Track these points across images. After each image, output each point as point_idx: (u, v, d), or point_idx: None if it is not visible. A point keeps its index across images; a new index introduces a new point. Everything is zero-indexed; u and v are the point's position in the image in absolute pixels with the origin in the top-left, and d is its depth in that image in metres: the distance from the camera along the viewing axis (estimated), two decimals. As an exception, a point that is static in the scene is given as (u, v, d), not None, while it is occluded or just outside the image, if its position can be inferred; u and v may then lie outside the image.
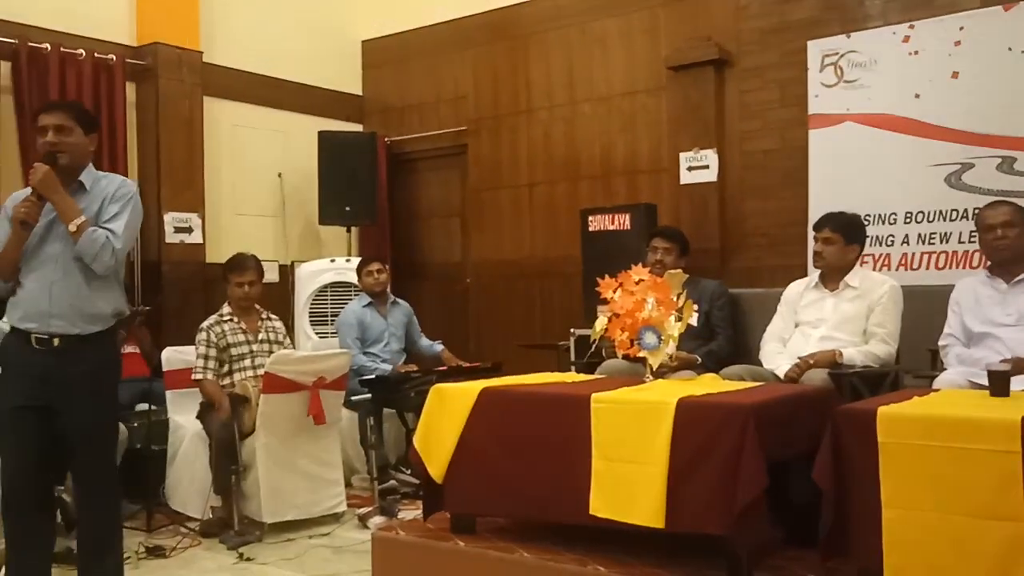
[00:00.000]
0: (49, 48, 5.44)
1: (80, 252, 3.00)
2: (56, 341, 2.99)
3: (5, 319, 3.16)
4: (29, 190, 3.01)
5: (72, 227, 2.97)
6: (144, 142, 6.06)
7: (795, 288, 4.13)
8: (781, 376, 3.75)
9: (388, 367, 5.13)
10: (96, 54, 5.67)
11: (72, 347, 3.01)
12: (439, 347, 5.54)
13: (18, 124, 5.34)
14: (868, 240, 5.14)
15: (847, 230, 3.97)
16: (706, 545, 2.79)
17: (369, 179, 6.72)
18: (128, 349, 5.27)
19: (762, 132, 5.60)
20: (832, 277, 3.96)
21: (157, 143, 6.02)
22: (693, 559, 2.82)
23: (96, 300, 3.07)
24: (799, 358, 3.74)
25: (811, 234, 4.98)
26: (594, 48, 6.33)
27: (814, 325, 3.93)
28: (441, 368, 5.10)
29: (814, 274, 4.08)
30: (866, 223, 5.10)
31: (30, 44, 5.37)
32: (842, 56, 5.23)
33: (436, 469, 3.33)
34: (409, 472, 4.98)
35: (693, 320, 3.41)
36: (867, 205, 5.01)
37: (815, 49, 5.32)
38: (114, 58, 5.76)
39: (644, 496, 2.75)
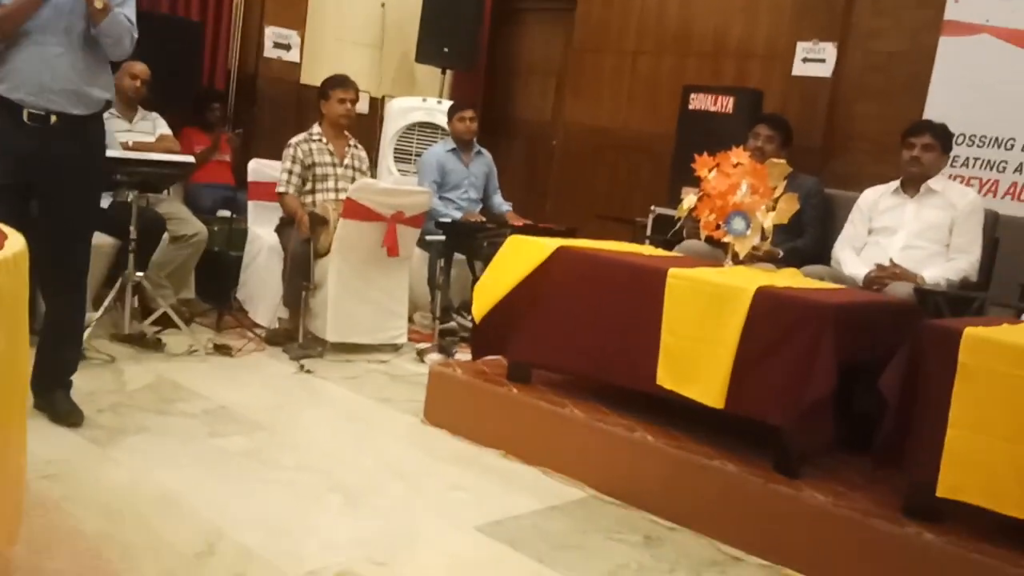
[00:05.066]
0: None
1: (103, 32, 2.81)
2: (53, 118, 2.82)
3: None
4: None
5: (98, 3, 2.76)
6: (255, -52, 5.98)
7: (870, 195, 3.95)
8: (861, 281, 3.66)
9: (459, 214, 5.13)
10: None
11: (66, 126, 2.84)
12: (507, 207, 5.50)
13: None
14: (978, 163, 4.96)
15: (945, 139, 3.79)
16: (756, 433, 2.80)
17: (472, 23, 6.54)
18: (217, 156, 5.38)
19: (891, 32, 5.26)
20: (915, 183, 3.81)
21: (268, -50, 5.93)
22: (741, 445, 2.84)
23: (96, 83, 2.91)
24: (881, 264, 3.65)
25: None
26: (728, -81, 5.95)
27: (891, 232, 3.79)
28: (518, 224, 5.08)
29: (894, 181, 3.92)
30: (980, 145, 4.90)
31: None
32: (992, -40, 4.83)
33: (480, 310, 3.41)
34: (469, 318, 5.06)
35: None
36: (986, 126, 4.76)
37: (965, -51, 4.91)
38: None
39: (709, 375, 2.76)
